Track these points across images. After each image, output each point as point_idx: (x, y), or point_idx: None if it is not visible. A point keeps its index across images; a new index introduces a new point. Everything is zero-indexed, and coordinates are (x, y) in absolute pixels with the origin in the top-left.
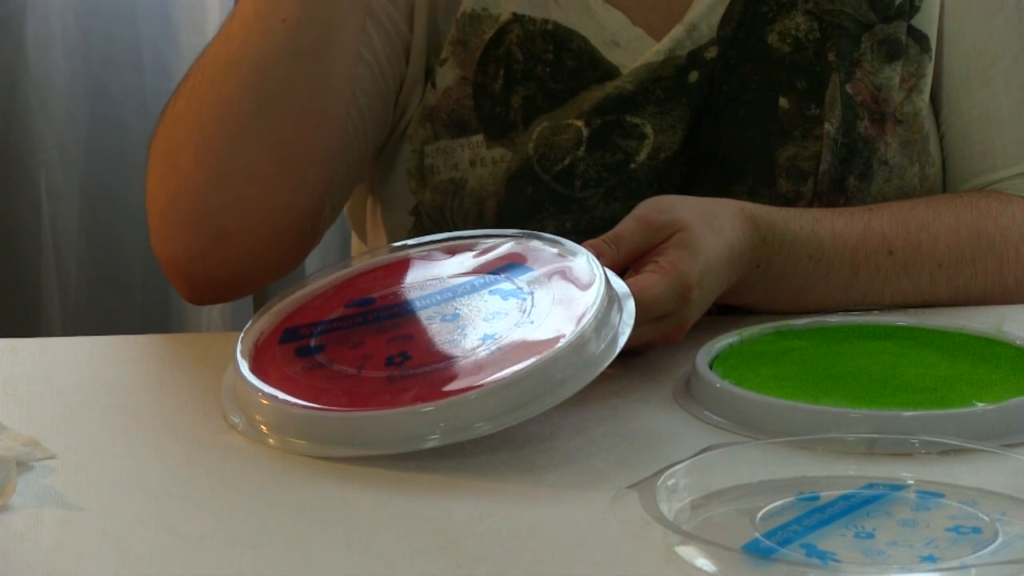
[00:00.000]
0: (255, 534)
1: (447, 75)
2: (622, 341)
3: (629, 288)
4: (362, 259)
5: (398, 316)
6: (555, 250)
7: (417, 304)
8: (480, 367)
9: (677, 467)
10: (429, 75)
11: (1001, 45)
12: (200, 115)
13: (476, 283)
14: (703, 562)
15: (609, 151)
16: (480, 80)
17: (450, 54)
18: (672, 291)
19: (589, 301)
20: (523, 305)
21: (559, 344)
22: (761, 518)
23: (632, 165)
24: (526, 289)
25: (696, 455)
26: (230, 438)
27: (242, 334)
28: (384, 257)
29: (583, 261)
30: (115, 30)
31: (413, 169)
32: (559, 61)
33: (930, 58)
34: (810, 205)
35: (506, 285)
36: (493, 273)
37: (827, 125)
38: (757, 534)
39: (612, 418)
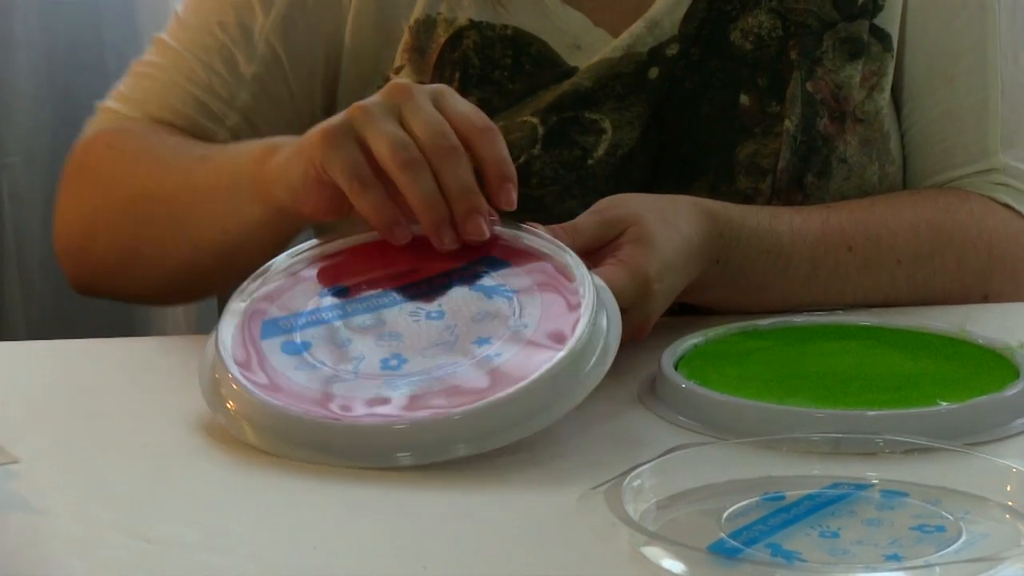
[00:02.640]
0: (222, 538)
1: None
2: (610, 358)
3: None
4: (330, 238)
5: (379, 310)
6: (529, 241)
7: (396, 297)
8: (475, 380)
9: (643, 468)
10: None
11: (963, 43)
12: (114, 180)
13: (454, 278)
14: (669, 562)
15: (566, 148)
16: (436, 83)
17: (406, 61)
18: (633, 284)
19: (580, 311)
20: (511, 306)
21: (553, 361)
22: (727, 518)
23: (589, 161)
24: (509, 287)
25: (662, 456)
26: (197, 441)
27: (220, 323)
28: (353, 239)
29: (563, 258)
30: (79, 33)
31: None
32: (517, 65)
33: (892, 57)
34: (768, 202)
35: (487, 281)
36: (471, 264)
37: (787, 122)
38: (723, 534)
39: (577, 419)
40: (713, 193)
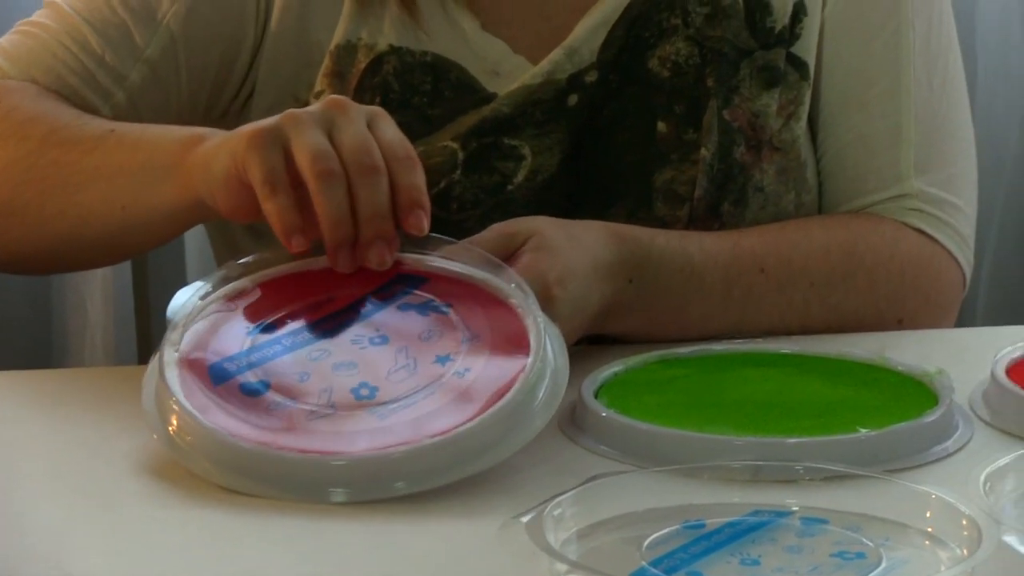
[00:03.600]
0: (143, 570)
1: None
2: (560, 393)
3: None
4: (235, 270)
5: (318, 341)
6: (435, 263)
7: (328, 327)
8: (456, 405)
9: (563, 497)
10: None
11: (878, 70)
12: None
13: (376, 300)
14: None
15: (486, 173)
16: None
17: (326, 86)
18: (532, 289)
19: (530, 337)
20: (452, 319)
21: (502, 401)
22: (647, 546)
23: (509, 187)
24: (441, 301)
25: (582, 484)
26: (117, 472)
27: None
28: (259, 275)
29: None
30: None
31: None
32: (437, 92)
33: (809, 85)
34: (686, 229)
35: (413, 299)
36: (387, 284)
37: (703, 150)
38: (644, 562)
39: None
40: (631, 219)
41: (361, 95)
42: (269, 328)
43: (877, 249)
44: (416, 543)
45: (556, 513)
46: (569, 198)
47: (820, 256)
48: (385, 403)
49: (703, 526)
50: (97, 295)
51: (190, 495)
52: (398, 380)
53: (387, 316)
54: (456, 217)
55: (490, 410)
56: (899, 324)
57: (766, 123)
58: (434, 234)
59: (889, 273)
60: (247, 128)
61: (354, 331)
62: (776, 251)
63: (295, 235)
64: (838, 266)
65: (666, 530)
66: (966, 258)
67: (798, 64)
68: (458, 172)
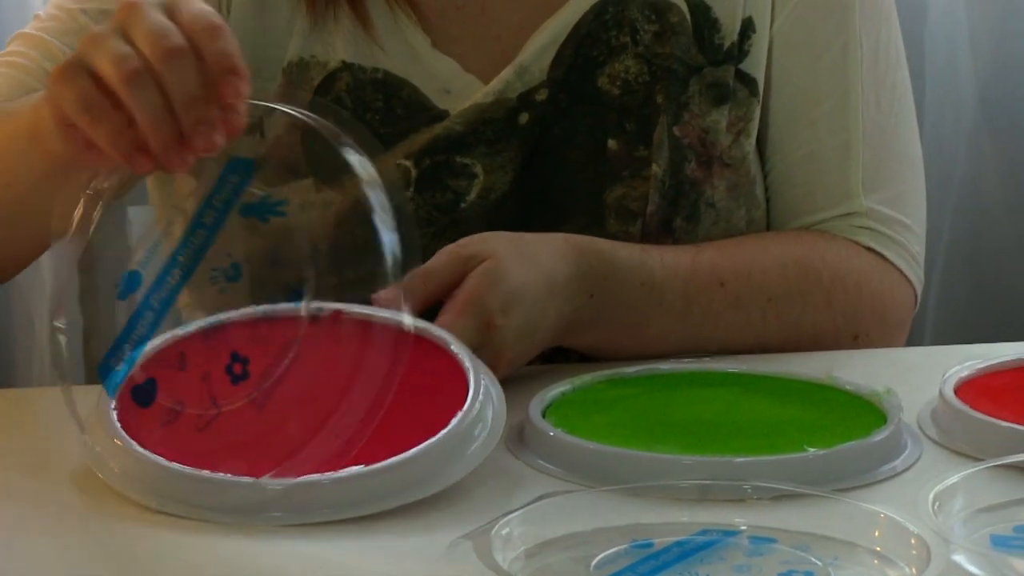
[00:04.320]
0: None
1: (276, 124)
2: (498, 431)
3: None
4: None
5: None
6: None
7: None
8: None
9: (511, 516)
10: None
11: (826, 87)
12: None
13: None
14: None
15: (439, 191)
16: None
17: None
18: (472, 324)
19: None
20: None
21: (435, 437)
22: (596, 566)
23: (462, 205)
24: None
25: (530, 504)
26: (63, 492)
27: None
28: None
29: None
30: None
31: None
32: (389, 109)
33: (758, 102)
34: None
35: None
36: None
37: (655, 167)
38: None
39: None
40: (584, 235)
41: (314, 112)
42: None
43: (833, 266)
44: (362, 564)
45: (504, 532)
46: (522, 216)
47: (778, 271)
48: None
49: (651, 545)
50: (45, 316)
51: (134, 516)
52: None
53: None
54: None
55: (432, 439)
56: (855, 341)
57: (716, 139)
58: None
59: (846, 290)
60: (53, 69)
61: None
62: (734, 266)
63: (135, 154)
64: (795, 282)
65: (614, 549)
66: (917, 276)
67: (747, 81)
68: (411, 190)
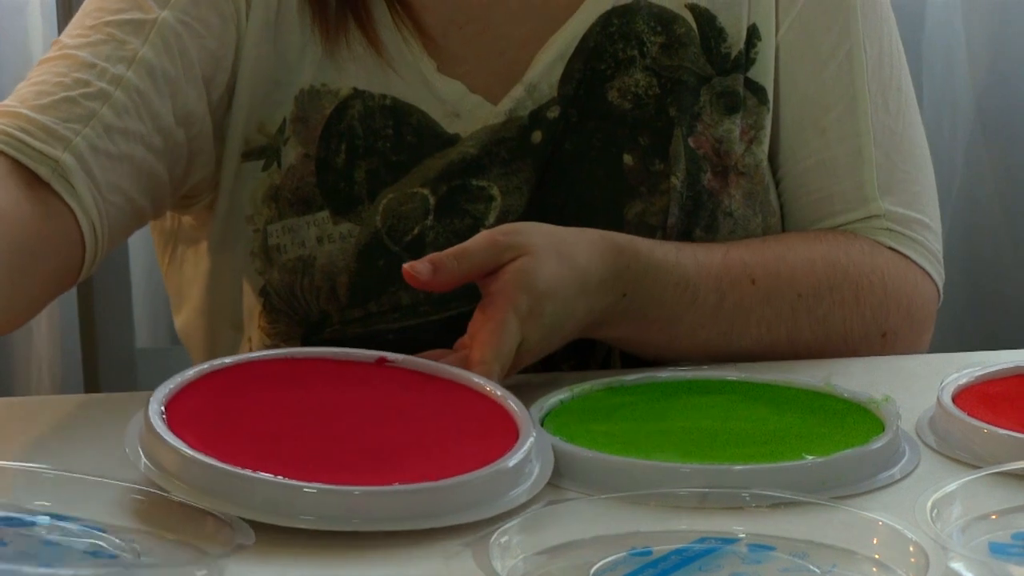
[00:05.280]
0: None
1: (288, 154)
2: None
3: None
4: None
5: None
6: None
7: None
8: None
9: (510, 524)
10: (263, 153)
11: (834, 94)
12: None
13: None
14: None
15: (458, 217)
16: (323, 156)
17: (292, 132)
18: (511, 337)
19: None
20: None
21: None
22: (594, 574)
23: (481, 229)
24: None
25: (529, 512)
26: None
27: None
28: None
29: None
30: None
31: (257, 249)
32: (399, 136)
33: (768, 109)
34: None
35: None
36: None
37: (673, 179)
38: None
39: None
40: None
41: (328, 141)
42: None
43: (859, 262)
44: (363, 572)
45: (503, 541)
46: None
47: (806, 268)
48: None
49: (650, 553)
50: (43, 324)
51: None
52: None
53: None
54: None
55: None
56: (883, 339)
57: (730, 149)
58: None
59: (872, 285)
60: None
61: None
62: (763, 262)
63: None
64: (824, 278)
65: (613, 557)
66: (938, 273)
67: (756, 89)
68: (431, 218)
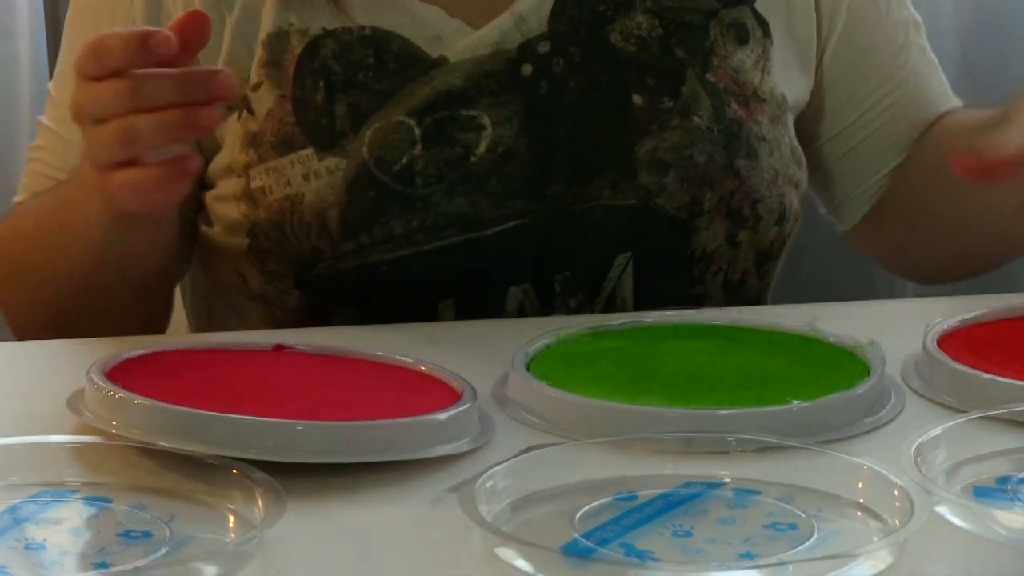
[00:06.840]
0: None
1: (264, 98)
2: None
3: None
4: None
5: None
6: None
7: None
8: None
9: (495, 469)
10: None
11: (895, 24)
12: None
13: None
14: (522, 563)
15: (447, 145)
16: (299, 95)
17: (264, 77)
18: None
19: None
20: None
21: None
22: (580, 519)
23: (472, 158)
24: None
25: (514, 457)
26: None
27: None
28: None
29: None
30: None
31: (240, 194)
32: (380, 64)
33: (771, 42)
34: (676, 195)
35: None
36: None
37: (695, 119)
38: (576, 534)
39: None
40: (614, 189)
41: (302, 80)
42: None
43: None
44: (347, 514)
45: (488, 485)
46: (541, 171)
47: None
48: None
49: (635, 498)
50: None
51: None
52: None
53: None
54: (422, 192)
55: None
56: None
57: (747, 78)
58: None
59: None
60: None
61: None
62: None
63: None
64: None
65: (598, 502)
66: None
67: (760, 21)
68: (418, 147)
